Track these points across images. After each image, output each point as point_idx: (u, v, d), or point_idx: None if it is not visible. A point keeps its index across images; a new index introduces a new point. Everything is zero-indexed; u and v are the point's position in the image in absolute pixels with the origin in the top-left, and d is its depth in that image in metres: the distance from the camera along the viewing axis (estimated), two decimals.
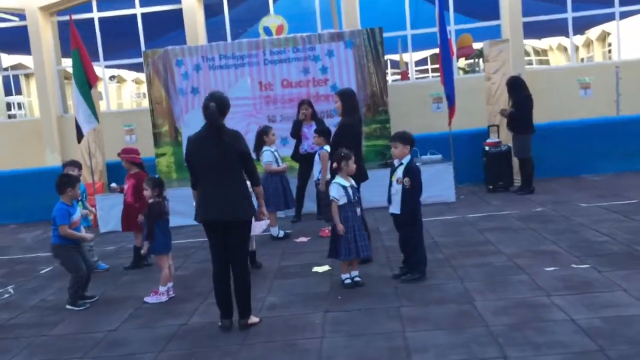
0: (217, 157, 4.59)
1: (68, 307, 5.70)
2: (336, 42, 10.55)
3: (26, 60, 18.51)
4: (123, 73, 27.84)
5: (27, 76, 19.02)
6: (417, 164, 6.00)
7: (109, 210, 9.51)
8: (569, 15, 13.23)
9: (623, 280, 5.01)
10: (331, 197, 5.50)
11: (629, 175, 10.18)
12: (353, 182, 5.59)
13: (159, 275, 5.87)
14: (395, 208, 5.61)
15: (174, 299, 5.71)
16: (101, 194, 10.07)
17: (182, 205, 8.60)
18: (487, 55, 10.71)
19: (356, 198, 5.51)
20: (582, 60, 28.22)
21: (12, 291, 6.59)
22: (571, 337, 4.00)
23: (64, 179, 5.91)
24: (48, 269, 7.46)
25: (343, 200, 5.44)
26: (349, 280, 5.53)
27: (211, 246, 4.88)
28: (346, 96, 6.55)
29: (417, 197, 5.51)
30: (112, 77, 25.48)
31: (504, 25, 13.22)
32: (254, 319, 4.81)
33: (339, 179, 5.53)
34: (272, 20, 12.71)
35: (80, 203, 6.51)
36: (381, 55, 10.61)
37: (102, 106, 12.68)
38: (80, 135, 9.54)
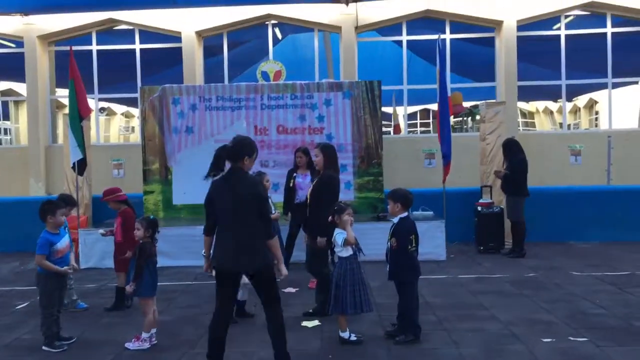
0: (232, 202, 4.48)
1: (44, 348, 5.41)
2: (334, 92, 10.59)
3: (17, 86, 18.41)
4: (113, 106, 27.74)
5: (16, 103, 18.85)
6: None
7: (91, 246, 9.26)
8: (563, 82, 13.48)
9: (622, 357, 4.89)
10: (343, 239, 5.31)
11: (617, 244, 10.18)
12: (354, 234, 5.46)
13: (141, 319, 5.63)
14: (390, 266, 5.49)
15: (156, 346, 5.45)
16: (85, 228, 9.80)
17: (167, 246, 8.41)
18: (484, 116, 10.80)
19: (358, 250, 5.38)
20: (569, 126, 28.77)
21: None
22: None
23: (45, 206, 5.64)
24: (24, 304, 7.15)
25: (348, 252, 5.31)
26: (354, 337, 5.34)
27: (221, 293, 4.63)
28: (328, 150, 6.56)
29: (402, 259, 5.34)
30: (102, 110, 25.34)
31: (500, 87, 13.43)
32: None
33: (340, 231, 5.40)
34: (270, 65, 12.77)
35: None
36: (378, 108, 10.66)
37: (92, 138, 12.51)
38: (81, 167, 9.50)
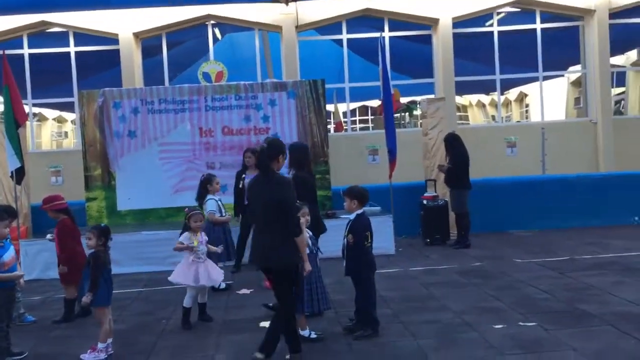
0: (267, 200, 4.70)
1: None
2: (279, 92, 10.62)
3: None
4: (44, 111, 26.71)
5: None
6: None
7: (33, 257, 8.97)
8: (497, 77, 13.97)
9: (570, 339, 5.14)
10: None
11: (553, 232, 10.66)
12: (311, 233, 5.52)
13: (94, 329, 5.51)
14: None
15: (113, 356, 5.35)
16: (25, 239, 9.46)
17: (114, 253, 8.12)
18: (425, 112, 11.08)
19: (315, 249, 5.44)
20: (502, 119, 29.76)
21: None
22: None
23: None
24: None
25: (306, 250, 5.36)
26: (314, 335, 5.39)
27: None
28: (293, 150, 6.59)
29: (359, 255, 5.44)
30: (33, 115, 24.38)
31: (438, 83, 13.78)
32: None
33: None
34: (211, 66, 12.65)
35: None
36: (323, 107, 10.77)
37: (28, 146, 12.06)
38: (19, 176, 9.15)
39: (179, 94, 10.46)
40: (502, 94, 26.55)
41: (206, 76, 12.40)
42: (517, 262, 8.40)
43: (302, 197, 5.85)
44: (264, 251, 4.74)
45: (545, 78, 14.58)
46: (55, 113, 28.71)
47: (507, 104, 30.72)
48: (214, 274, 6.29)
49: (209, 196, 7.74)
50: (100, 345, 5.35)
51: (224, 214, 7.85)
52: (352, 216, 5.52)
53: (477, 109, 36.49)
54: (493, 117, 35.15)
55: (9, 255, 5.37)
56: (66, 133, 32.85)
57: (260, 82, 10.95)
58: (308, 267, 4.91)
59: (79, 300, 5.57)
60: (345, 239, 5.51)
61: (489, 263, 8.46)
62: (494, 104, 34.51)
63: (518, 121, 27.11)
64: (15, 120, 9.19)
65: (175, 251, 6.34)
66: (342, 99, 15.05)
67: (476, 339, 5.29)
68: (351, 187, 5.64)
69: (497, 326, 5.59)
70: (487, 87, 19.62)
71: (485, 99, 33.76)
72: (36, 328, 6.42)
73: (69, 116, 29.14)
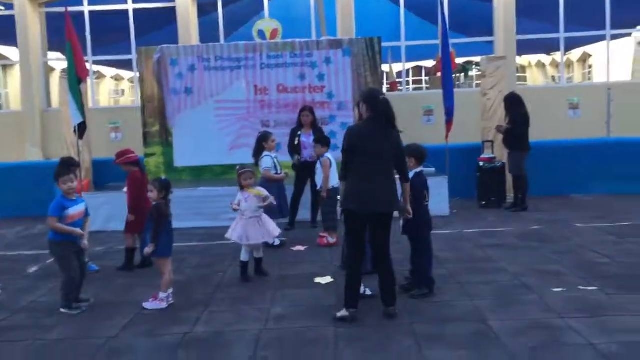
0: (384, 148, 4.82)
1: (62, 310, 5.45)
2: (334, 50, 10.47)
3: (6, 50, 18.04)
4: (102, 69, 27.32)
5: (5, 67, 18.46)
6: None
7: (96, 210, 9.17)
8: (561, 35, 13.39)
9: (632, 304, 5.00)
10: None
11: (618, 197, 10.29)
12: None
13: (156, 279, 5.68)
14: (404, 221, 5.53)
15: (173, 306, 5.52)
16: (87, 192, 9.78)
17: (172, 208, 8.39)
18: (485, 71, 10.75)
19: None
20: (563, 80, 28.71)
21: (0, 290, 6.30)
22: None
23: (57, 169, 5.62)
24: (35, 268, 7.18)
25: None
26: (369, 292, 5.42)
27: (356, 235, 4.94)
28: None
29: (418, 212, 5.35)
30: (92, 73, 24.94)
31: (498, 42, 13.31)
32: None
33: None
34: (266, 23, 12.56)
35: None
36: (379, 65, 10.58)
37: (88, 103, 12.37)
38: (82, 131, 9.44)
39: (234, 51, 10.45)
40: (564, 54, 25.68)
41: (261, 34, 12.33)
42: (577, 227, 8.17)
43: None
44: (375, 196, 4.79)
45: (613, 37, 13.89)
46: (113, 71, 29.37)
47: (568, 64, 29.61)
48: (268, 231, 6.34)
49: (265, 153, 7.79)
50: (161, 295, 5.53)
51: (279, 172, 7.90)
52: (410, 174, 5.43)
53: (537, 70, 35.31)
54: (553, 78, 34.02)
55: (76, 210, 5.52)
56: (123, 91, 33.62)
57: (316, 40, 10.82)
58: (410, 209, 5.10)
59: (141, 250, 5.73)
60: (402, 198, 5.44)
61: (547, 226, 8.26)
62: (554, 65, 33.38)
63: (581, 82, 26.07)
64: (77, 76, 9.43)
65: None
66: (396, 59, 14.74)
67: (535, 301, 5.20)
68: (409, 145, 5.54)
69: (556, 289, 5.48)
70: (548, 47, 18.89)
71: (545, 59, 32.61)
72: (100, 277, 6.67)
73: (126, 74, 29.80)
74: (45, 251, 5.73)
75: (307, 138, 8.48)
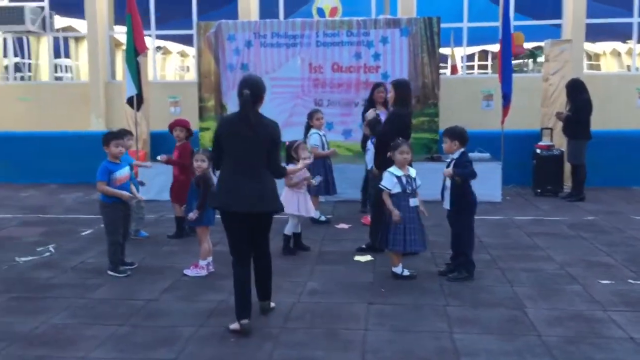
0: (249, 143, 4.25)
1: (109, 272, 5.66)
2: (391, 29, 10.31)
3: (76, 23, 18.66)
4: (169, 45, 27.89)
5: (76, 39, 19.10)
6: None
7: (151, 179, 9.45)
8: (635, 20, 12.71)
9: None
10: (380, 185, 5.37)
11: None
12: (410, 172, 5.41)
13: (198, 248, 5.80)
14: (447, 204, 5.45)
15: (213, 274, 5.63)
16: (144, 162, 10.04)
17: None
18: (548, 54, 10.34)
19: (410, 189, 5.33)
20: (638, 69, 27.33)
21: (52, 250, 6.60)
22: (632, 356, 3.79)
23: (106, 135, 5.80)
24: (89, 231, 7.49)
25: (396, 189, 5.28)
26: (407, 272, 5.38)
27: (235, 237, 4.40)
28: (401, 87, 6.37)
29: (461, 194, 5.29)
30: (158, 48, 25.51)
31: (566, 26, 12.75)
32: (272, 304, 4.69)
33: (392, 168, 5.38)
34: (326, 1, 12.46)
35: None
36: (437, 47, 10.34)
37: (149, 76, 12.67)
38: (137, 103, 9.69)
39: (291, 28, 10.45)
40: (638, 42, 24.39)
41: (320, 12, 12.24)
42: (635, 219, 7.82)
43: (396, 133, 5.75)
44: (249, 197, 4.25)
45: None
46: (179, 47, 29.87)
47: None
48: (310, 206, 6.40)
49: (313, 130, 7.78)
50: (201, 262, 5.66)
51: (328, 149, 7.88)
52: (456, 155, 5.33)
53: (612, 58, 33.70)
54: (628, 67, 32.39)
55: (122, 173, 5.73)
56: (188, 67, 34.21)
57: (373, 18, 10.67)
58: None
59: (186, 217, 5.87)
60: (446, 179, 5.36)
61: (603, 217, 7.94)
62: (630, 54, 31.76)
63: None
64: (135, 49, 9.66)
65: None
66: (459, 41, 14.37)
67: (578, 292, 5.02)
68: (452, 128, 5.43)
69: (603, 281, 5.28)
70: (622, 34, 17.98)
71: (622, 47, 31.07)
72: (149, 243, 6.89)
73: (191, 51, 30.27)
74: (99, 216, 5.95)
75: (383, 115, 8.25)
